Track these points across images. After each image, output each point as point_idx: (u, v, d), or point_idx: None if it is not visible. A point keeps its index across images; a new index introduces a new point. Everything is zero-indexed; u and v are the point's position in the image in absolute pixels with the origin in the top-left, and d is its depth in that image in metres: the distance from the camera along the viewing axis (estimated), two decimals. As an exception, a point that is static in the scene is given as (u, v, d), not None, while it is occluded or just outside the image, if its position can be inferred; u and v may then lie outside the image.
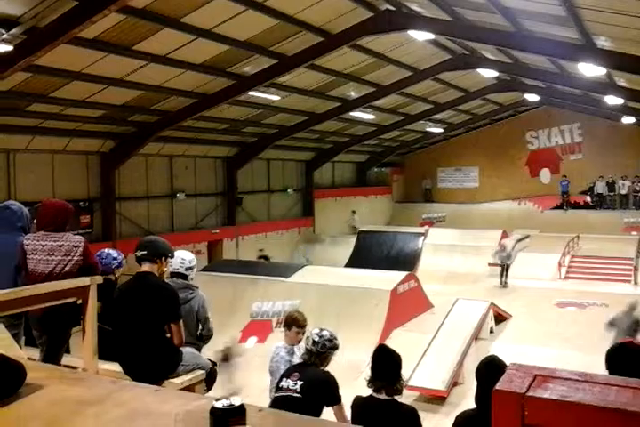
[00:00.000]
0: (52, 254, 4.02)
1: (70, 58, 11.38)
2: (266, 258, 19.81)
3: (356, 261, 22.08)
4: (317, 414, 4.10)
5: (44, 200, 4.66)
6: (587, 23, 11.00)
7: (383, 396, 3.87)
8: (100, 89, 13.31)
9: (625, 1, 8.52)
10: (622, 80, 15.94)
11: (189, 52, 12.81)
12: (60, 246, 4.03)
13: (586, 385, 1.44)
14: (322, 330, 4.47)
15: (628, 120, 24.90)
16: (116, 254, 5.38)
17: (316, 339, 4.40)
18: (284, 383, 4.29)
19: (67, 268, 4.02)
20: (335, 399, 4.21)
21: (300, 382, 4.20)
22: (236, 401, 1.44)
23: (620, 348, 3.36)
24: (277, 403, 4.16)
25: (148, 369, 4.00)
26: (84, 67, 12.05)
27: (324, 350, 4.40)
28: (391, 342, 11.98)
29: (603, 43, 12.20)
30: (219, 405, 1.43)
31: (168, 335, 4.21)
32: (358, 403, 3.99)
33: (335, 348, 4.47)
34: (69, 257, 4.05)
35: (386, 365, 3.97)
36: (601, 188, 28.02)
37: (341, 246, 24.14)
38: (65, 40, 9.99)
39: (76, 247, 4.08)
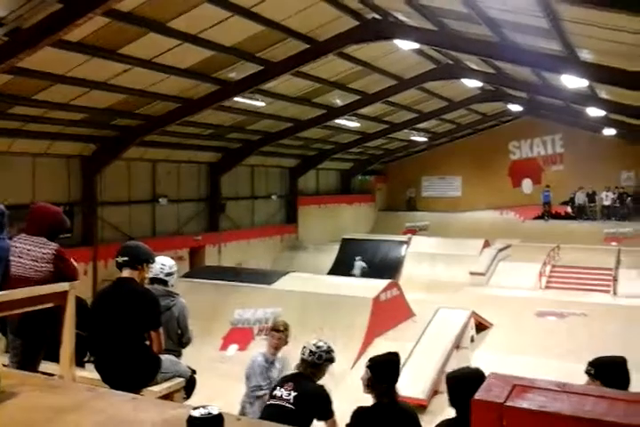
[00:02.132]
0: (35, 260, 3.97)
1: (54, 60, 11.28)
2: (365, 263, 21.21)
3: (339, 268, 22.06)
4: (307, 426, 4.12)
5: (36, 204, 4.59)
6: (570, 36, 11.15)
7: (386, 400, 3.91)
8: (83, 92, 13.21)
9: (607, 15, 8.65)
10: (604, 92, 16.17)
11: (175, 57, 12.77)
12: (41, 253, 3.98)
13: (564, 395, 1.44)
14: (319, 341, 4.50)
15: (609, 132, 25.27)
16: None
17: (313, 349, 4.40)
18: (277, 392, 4.29)
19: (42, 274, 3.96)
20: (328, 414, 4.25)
21: (293, 393, 4.20)
22: (214, 410, 1.43)
23: (609, 361, 3.42)
24: (269, 411, 4.19)
25: (127, 377, 3.95)
26: (68, 70, 11.95)
27: (321, 361, 4.41)
28: (373, 351, 11.96)
29: (585, 55, 12.38)
30: (196, 414, 1.41)
31: (147, 343, 4.16)
32: (362, 411, 3.97)
33: (332, 360, 4.50)
34: (42, 264, 3.98)
35: (389, 368, 4.01)
36: (581, 199, 28.35)
37: (325, 254, 24.12)
38: (49, 42, 9.91)
39: (48, 255, 4.01)
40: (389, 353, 4.15)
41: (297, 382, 4.31)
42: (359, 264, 21.92)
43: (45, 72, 11.73)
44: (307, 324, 12.64)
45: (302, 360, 4.42)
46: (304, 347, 4.47)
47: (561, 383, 1.56)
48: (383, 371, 3.97)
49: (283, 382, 4.42)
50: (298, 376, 4.42)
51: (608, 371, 3.32)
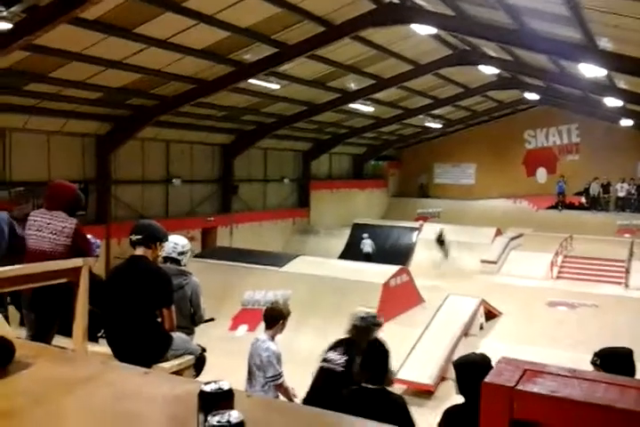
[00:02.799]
0: (55, 233, 4.03)
1: (70, 38, 11.28)
2: (442, 241, 21.71)
3: (349, 253, 22.10)
4: None
5: (54, 181, 4.67)
6: (589, 23, 10.97)
7: (373, 385, 3.88)
8: (98, 71, 13.22)
9: (627, 3, 8.50)
10: (622, 82, 15.94)
11: (190, 38, 12.72)
12: (61, 227, 4.03)
13: (575, 381, 1.44)
14: (366, 308, 5.07)
15: (627, 123, 24.94)
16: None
17: (363, 315, 4.89)
18: (330, 355, 4.72)
19: (59, 248, 4.01)
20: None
21: (344, 357, 4.60)
22: (225, 386, 1.44)
23: (615, 352, 3.42)
24: (322, 374, 4.68)
25: (138, 353, 4.00)
26: (84, 48, 11.95)
27: (369, 325, 4.85)
28: (381, 336, 12.05)
29: (605, 44, 12.19)
30: (207, 388, 1.42)
31: (159, 320, 4.20)
32: (347, 393, 3.98)
33: (379, 324, 4.98)
34: (61, 237, 4.03)
35: (377, 356, 3.98)
36: (596, 189, 28.10)
37: (336, 238, 24.16)
38: (65, 20, 9.92)
39: (67, 228, 4.06)
40: (381, 343, 4.15)
41: (348, 346, 4.70)
42: (368, 242, 22.14)
43: (62, 50, 11.74)
44: (316, 307, 12.73)
45: (353, 326, 4.84)
46: (354, 314, 4.92)
47: (572, 369, 1.55)
48: (370, 358, 3.98)
49: (335, 346, 4.82)
50: (348, 341, 4.81)
51: (613, 361, 3.32)
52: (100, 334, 4.51)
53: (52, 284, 3.58)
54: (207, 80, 15.40)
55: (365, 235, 22.45)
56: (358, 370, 3.97)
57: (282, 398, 5.48)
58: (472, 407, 1.65)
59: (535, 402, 1.37)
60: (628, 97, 17.48)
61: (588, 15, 10.42)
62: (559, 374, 1.48)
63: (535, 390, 1.38)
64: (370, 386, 3.86)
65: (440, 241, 22.21)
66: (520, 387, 1.39)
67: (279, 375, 5.35)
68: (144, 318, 4.09)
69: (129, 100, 15.59)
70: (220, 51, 14.00)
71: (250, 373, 5.48)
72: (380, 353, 3.99)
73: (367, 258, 20.83)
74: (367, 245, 22.11)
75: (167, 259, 5.02)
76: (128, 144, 16.82)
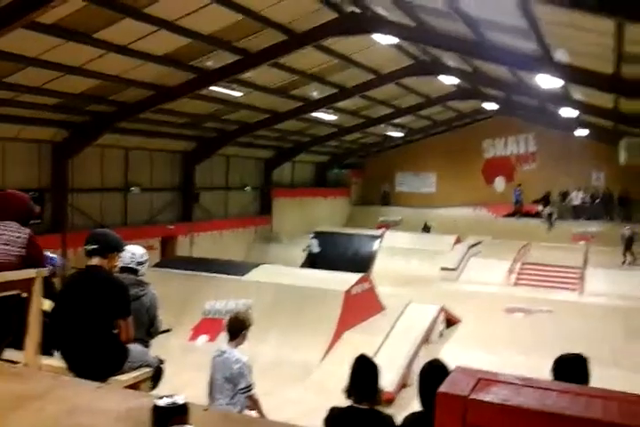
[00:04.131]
0: (7, 244, 3.91)
1: (27, 43, 11.04)
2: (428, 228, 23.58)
3: (311, 261, 22.10)
4: None
5: (4, 191, 4.53)
6: (546, 36, 11.28)
7: (364, 406, 3.81)
8: (56, 76, 12.97)
9: (582, 17, 8.76)
10: (577, 93, 16.42)
11: (151, 44, 12.60)
12: (15, 237, 3.92)
13: (527, 389, 1.47)
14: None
15: (582, 133, 25.66)
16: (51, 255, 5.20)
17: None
18: None
19: (12, 259, 3.89)
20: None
21: None
22: (180, 400, 1.42)
23: (570, 359, 3.48)
24: None
25: (93, 366, 3.90)
26: (41, 53, 11.71)
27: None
28: (343, 344, 12.03)
29: (560, 56, 12.54)
30: (161, 403, 1.40)
31: (115, 331, 4.11)
32: (336, 413, 3.90)
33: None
34: (15, 248, 3.92)
35: (367, 374, 3.91)
36: (578, 198, 28.76)
37: (298, 246, 24.10)
38: (22, 24, 9.69)
39: (22, 238, 3.95)
40: (371, 362, 4.01)
41: None
42: (314, 242, 23.11)
43: (17, 54, 11.48)
44: (278, 316, 12.66)
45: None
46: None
47: (524, 378, 1.58)
48: (362, 378, 3.89)
49: None
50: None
51: (567, 368, 3.39)
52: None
53: (3, 295, 3.48)
54: (168, 86, 15.25)
55: (311, 235, 23.38)
56: (347, 388, 3.89)
57: (247, 410, 5.43)
58: (429, 415, 1.67)
59: (488, 411, 1.39)
60: (582, 108, 18.00)
61: (545, 27, 10.72)
62: (512, 383, 1.51)
63: (488, 398, 1.40)
64: (359, 406, 3.81)
65: (426, 228, 27.53)
66: (473, 396, 1.41)
67: (251, 386, 5.32)
68: (100, 330, 4.00)
69: (88, 106, 15.31)
70: (182, 57, 13.90)
71: (213, 386, 5.39)
72: (368, 373, 3.92)
73: (314, 258, 22.00)
74: (314, 245, 23.05)
75: (124, 269, 4.93)
76: (86, 151, 16.49)
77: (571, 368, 3.39)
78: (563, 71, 12.69)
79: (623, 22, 8.60)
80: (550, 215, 26.45)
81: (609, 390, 1.44)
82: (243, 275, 14.58)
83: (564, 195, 28.81)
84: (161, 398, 1.42)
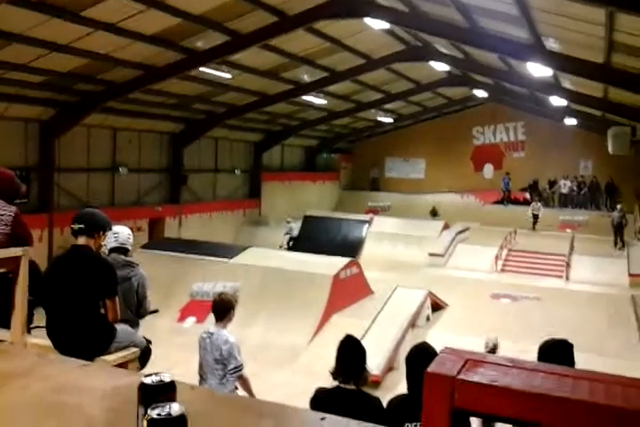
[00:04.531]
0: None
1: (12, 19, 10.83)
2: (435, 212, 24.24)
3: (300, 245, 22.13)
4: None
5: None
6: (538, 24, 11.25)
7: (351, 387, 3.81)
8: (43, 54, 12.74)
9: (574, 5, 8.74)
10: (567, 82, 16.43)
11: (140, 23, 12.40)
12: None
13: (514, 370, 1.47)
14: None
15: (571, 122, 25.76)
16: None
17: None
18: None
19: None
20: None
21: None
22: (166, 378, 1.41)
23: (556, 343, 3.51)
24: None
25: (80, 345, 3.89)
26: (27, 29, 11.48)
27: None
28: (330, 327, 12.10)
29: (552, 44, 12.53)
30: (147, 381, 1.39)
31: (102, 311, 4.10)
32: (322, 394, 3.90)
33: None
34: (1, 225, 3.88)
35: (354, 355, 3.91)
36: (566, 186, 28.90)
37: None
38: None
39: (7, 216, 3.91)
40: (358, 343, 4.05)
41: None
42: (294, 226, 23.43)
43: (3, 30, 11.25)
44: (266, 299, 12.70)
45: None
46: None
47: (512, 359, 1.58)
48: (349, 359, 3.89)
49: None
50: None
51: (552, 354, 3.42)
52: (32, 326, 4.36)
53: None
54: (157, 67, 15.06)
55: (290, 219, 23.57)
56: (334, 369, 3.89)
57: (240, 389, 5.46)
58: (416, 397, 1.68)
59: (475, 391, 1.39)
60: (572, 96, 18.05)
61: (537, 15, 10.68)
62: (500, 364, 1.51)
63: (475, 379, 1.41)
64: (346, 387, 3.82)
65: (434, 213, 28.60)
66: (461, 376, 1.41)
67: (241, 366, 5.33)
68: (86, 309, 3.98)
69: (75, 85, 15.09)
70: (172, 37, 13.71)
71: (204, 367, 5.41)
72: (355, 353, 3.92)
73: (295, 242, 22.63)
74: (294, 229, 23.35)
75: (113, 250, 4.90)
76: (73, 131, 16.30)
77: (556, 353, 3.43)
78: (553, 60, 12.69)
79: (614, 11, 8.59)
80: (535, 216, 25.19)
81: (596, 372, 1.45)
82: (231, 258, 14.59)
83: (552, 183, 28.95)
84: (148, 375, 1.41)
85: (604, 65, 12.02)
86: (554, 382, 1.43)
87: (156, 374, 1.41)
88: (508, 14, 11.06)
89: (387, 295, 13.74)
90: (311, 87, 20.17)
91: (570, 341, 3.61)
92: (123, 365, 4.04)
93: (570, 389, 1.40)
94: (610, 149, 18.59)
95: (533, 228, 24.94)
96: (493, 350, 9.57)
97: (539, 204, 25.83)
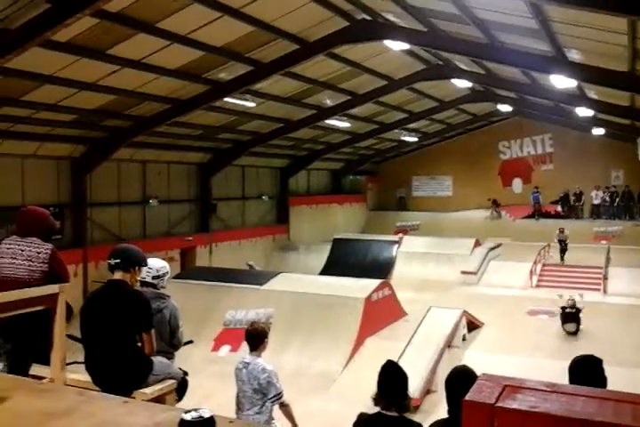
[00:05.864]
0: (30, 260, 3.98)
1: (42, 61, 11.22)
2: (251, 267, 20.09)
3: (330, 268, 22.08)
4: None
5: (25, 207, 4.61)
6: (559, 36, 11.22)
7: (393, 413, 3.77)
8: (72, 93, 13.15)
9: (593, 15, 8.71)
10: (592, 92, 16.28)
11: (164, 58, 12.73)
12: (36, 253, 3.99)
13: (554, 396, 1.45)
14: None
15: (598, 131, 25.42)
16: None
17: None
18: None
19: (35, 275, 3.95)
20: None
21: None
22: (206, 413, 1.43)
23: (584, 360, 3.44)
24: None
25: (118, 379, 3.94)
26: (57, 70, 11.89)
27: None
28: (365, 350, 12.00)
29: (574, 55, 12.46)
30: (187, 417, 1.41)
31: (139, 344, 4.15)
32: (364, 420, 3.87)
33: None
34: (37, 263, 3.98)
35: (396, 381, 3.87)
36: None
37: (316, 254, 24.12)
38: (37, 43, 9.86)
39: (43, 254, 4.01)
40: (399, 368, 3.96)
41: None
42: None
43: (34, 73, 11.66)
44: (299, 324, 12.66)
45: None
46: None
47: (551, 384, 1.57)
48: (390, 385, 3.83)
49: None
50: None
51: (581, 370, 3.34)
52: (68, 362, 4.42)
53: (28, 311, 3.53)
54: (182, 99, 15.39)
55: (251, 262, 20.83)
56: (375, 395, 3.85)
57: (278, 418, 5.43)
58: (456, 422, 1.66)
59: (515, 418, 1.38)
60: (598, 106, 17.83)
61: (557, 28, 10.66)
62: (538, 389, 1.50)
63: (515, 406, 1.39)
64: (388, 413, 3.77)
65: (497, 211, 29.57)
66: (500, 404, 1.40)
67: (281, 394, 5.31)
68: (124, 344, 4.04)
69: (103, 121, 15.50)
70: (195, 70, 14.03)
71: (241, 397, 5.39)
72: (397, 379, 3.87)
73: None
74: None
75: (143, 283, 4.97)
76: (103, 166, 16.68)
77: (585, 370, 3.35)
78: (577, 71, 12.60)
79: (636, 20, 8.54)
80: (564, 244, 22.06)
81: (637, 395, 1.43)
82: (262, 284, 14.63)
83: (579, 196, 28.42)
84: (187, 412, 1.43)
85: (628, 73, 11.90)
86: (594, 406, 1.41)
87: (195, 410, 1.43)
88: (527, 28, 11.05)
89: (421, 316, 13.58)
90: (334, 111, 20.32)
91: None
92: (161, 397, 4.07)
93: (612, 413, 1.37)
94: (640, 157, 18.26)
95: (561, 258, 22.05)
96: (573, 306, 9.61)
97: (565, 232, 22.21)
